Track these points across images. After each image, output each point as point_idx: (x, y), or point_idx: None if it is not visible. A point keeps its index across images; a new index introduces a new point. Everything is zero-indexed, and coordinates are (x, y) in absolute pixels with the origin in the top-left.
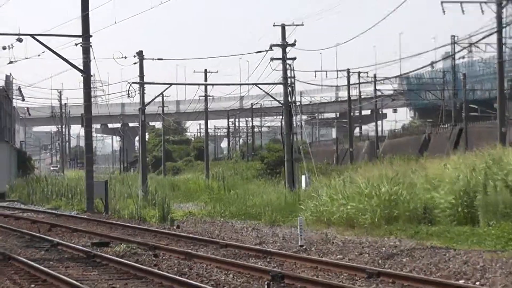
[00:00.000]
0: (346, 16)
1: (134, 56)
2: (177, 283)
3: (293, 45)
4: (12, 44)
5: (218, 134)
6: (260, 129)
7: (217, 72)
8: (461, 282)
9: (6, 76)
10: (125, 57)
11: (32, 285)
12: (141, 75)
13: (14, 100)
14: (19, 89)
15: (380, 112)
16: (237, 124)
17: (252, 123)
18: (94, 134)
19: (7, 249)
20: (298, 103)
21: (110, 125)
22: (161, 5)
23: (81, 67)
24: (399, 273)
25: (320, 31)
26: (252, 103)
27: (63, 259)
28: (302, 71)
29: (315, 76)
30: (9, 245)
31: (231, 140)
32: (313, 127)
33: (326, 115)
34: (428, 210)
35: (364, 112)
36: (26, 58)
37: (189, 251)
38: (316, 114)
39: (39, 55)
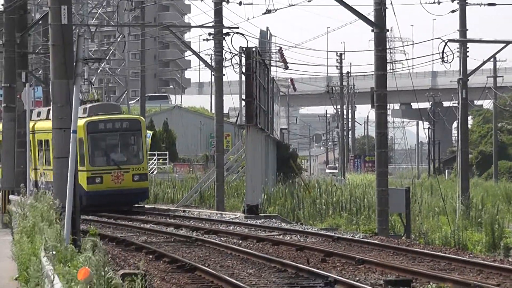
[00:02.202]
0: None
1: (452, 0)
2: None
3: None
4: None
5: None
6: None
7: None
8: None
9: (261, 32)
10: (438, 2)
11: None
12: (463, 29)
13: (272, 69)
14: (280, 51)
15: None
16: None
17: None
18: (390, 118)
19: None
20: None
21: (414, 105)
22: None
23: (372, 18)
24: None
25: None
26: None
27: None
28: None
29: None
30: (263, 283)
31: None
32: None
33: None
34: None
35: None
36: (290, 5)
37: None
38: None
39: (309, 0)
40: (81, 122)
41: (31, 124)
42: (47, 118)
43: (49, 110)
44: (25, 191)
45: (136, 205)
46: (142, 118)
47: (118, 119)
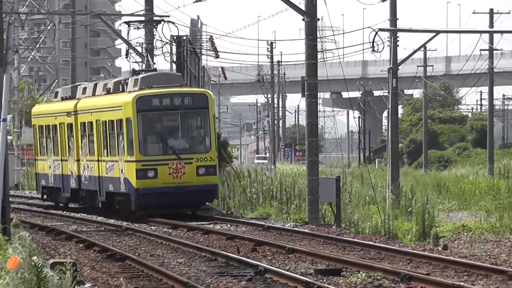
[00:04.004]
0: None
1: None
2: None
3: None
4: None
5: (509, 107)
6: None
7: (508, 13)
8: None
9: (192, 20)
10: None
11: None
12: (393, 19)
13: (203, 57)
14: (211, 40)
15: None
16: None
17: None
18: (320, 107)
19: (192, 277)
20: None
21: (344, 94)
22: None
23: (302, 7)
24: None
25: None
26: None
27: None
28: None
29: None
30: (194, 272)
31: None
32: None
33: None
34: None
35: None
36: None
37: (461, 284)
38: None
39: None
40: (129, 98)
41: (73, 103)
42: (93, 95)
43: (96, 84)
44: None
45: (203, 206)
46: (210, 92)
47: (178, 93)
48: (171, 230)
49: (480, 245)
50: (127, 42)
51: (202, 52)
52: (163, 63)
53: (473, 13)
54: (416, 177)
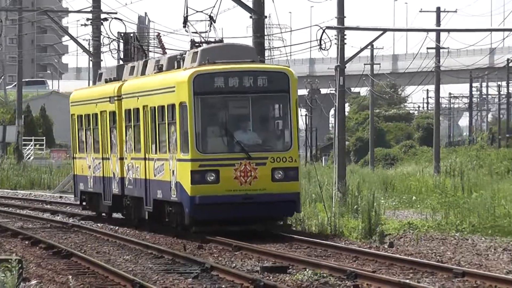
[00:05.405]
0: None
1: None
2: None
3: None
4: None
5: (455, 106)
6: None
7: (455, 11)
8: None
9: (140, 17)
10: None
11: None
12: (340, 17)
13: (151, 54)
14: (159, 37)
15: None
16: (484, 90)
17: (508, 90)
18: None
19: (138, 274)
20: None
21: None
22: None
23: (250, 4)
24: None
25: None
26: (508, 59)
27: None
28: None
29: None
30: (140, 269)
31: (474, 115)
32: None
33: None
34: None
35: None
36: None
37: (407, 281)
38: None
39: None
40: (184, 76)
41: (116, 86)
42: (142, 75)
43: (146, 62)
44: None
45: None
46: (292, 70)
47: (249, 70)
48: (117, 228)
49: (426, 243)
50: (74, 39)
51: (150, 49)
52: (110, 59)
53: (420, 11)
54: (362, 174)
